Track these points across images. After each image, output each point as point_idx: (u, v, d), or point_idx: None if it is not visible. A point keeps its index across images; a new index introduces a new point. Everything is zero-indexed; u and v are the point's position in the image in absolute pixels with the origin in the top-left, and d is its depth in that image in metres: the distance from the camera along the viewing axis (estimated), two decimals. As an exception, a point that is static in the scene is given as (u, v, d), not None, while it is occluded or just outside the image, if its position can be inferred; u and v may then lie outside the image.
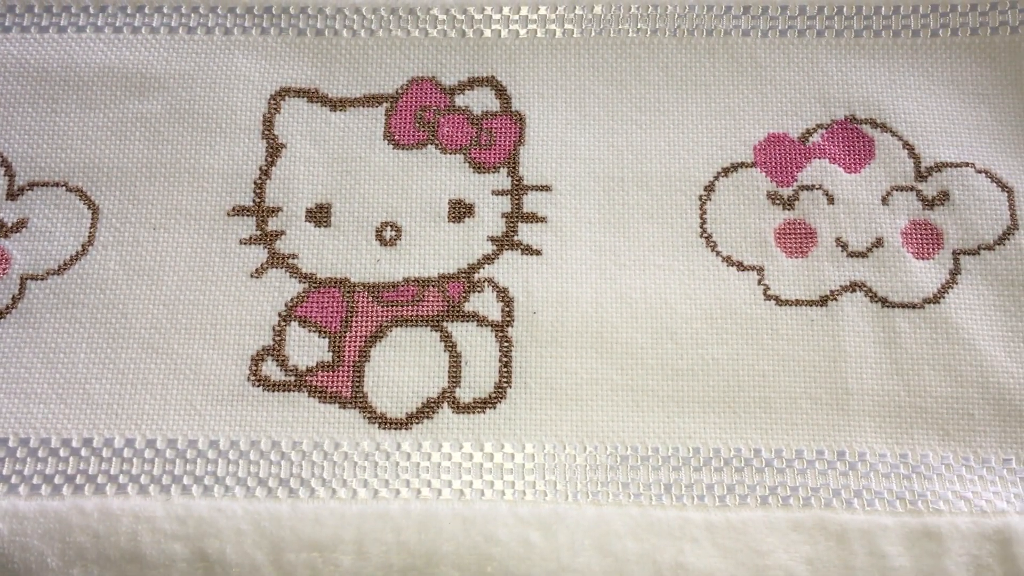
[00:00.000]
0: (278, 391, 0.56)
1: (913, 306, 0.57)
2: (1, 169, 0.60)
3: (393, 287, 0.58)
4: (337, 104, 0.62)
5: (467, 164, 0.61)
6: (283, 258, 0.59)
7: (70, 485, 0.54)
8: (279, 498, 0.53)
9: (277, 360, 0.57)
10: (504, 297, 0.58)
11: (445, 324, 0.57)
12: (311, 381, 0.56)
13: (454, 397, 0.56)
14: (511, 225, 0.59)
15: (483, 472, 0.54)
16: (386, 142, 0.61)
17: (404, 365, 0.57)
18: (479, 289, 0.58)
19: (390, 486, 0.54)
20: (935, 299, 0.57)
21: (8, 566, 0.52)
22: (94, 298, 0.57)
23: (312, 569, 0.52)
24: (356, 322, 0.57)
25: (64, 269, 0.58)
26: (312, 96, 0.62)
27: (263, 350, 0.57)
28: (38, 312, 0.57)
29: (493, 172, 0.60)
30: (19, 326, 0.57)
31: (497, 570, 0.52)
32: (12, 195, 0.59)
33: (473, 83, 0.62)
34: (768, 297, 0.58)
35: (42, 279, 0.58)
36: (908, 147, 0.60)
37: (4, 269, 0.58)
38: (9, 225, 0.59)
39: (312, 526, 0.52)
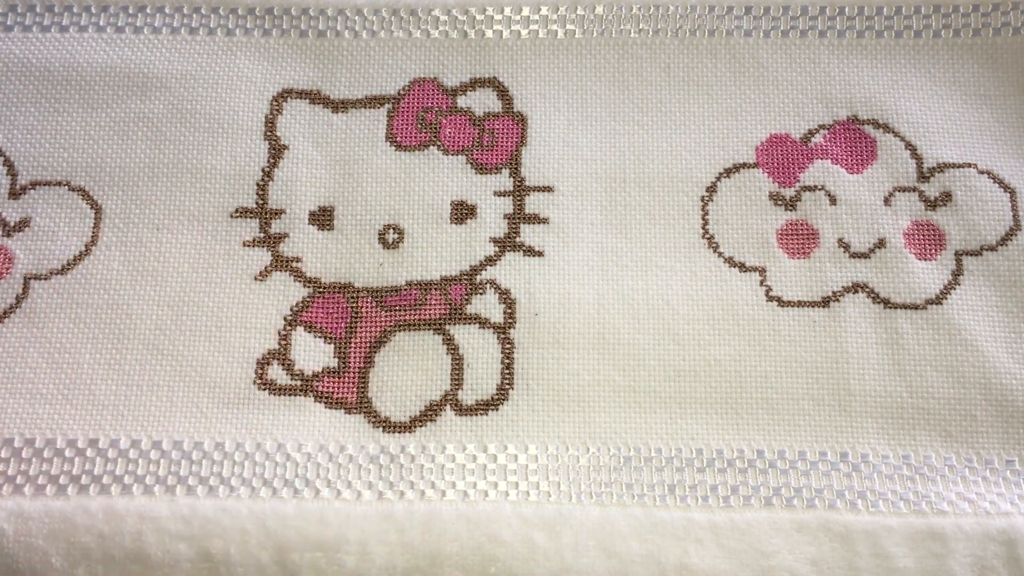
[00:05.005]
0: (284, 395, 0.56)
1: (915, 307, 0.57)
2: (4, 168, 0.60)
3: (396, 292, 0.58)
4: (339, 105, 0.62)
5: (469, 165, 0.60)
6: (287, 261, 0.59)
7: (75, 485, 0.54)
8: (284, 498, 0.53)
9: (283, 364, 0.57)
10: (506, 299, 0.58)
11: (447, 327, 0.57)
12: (317, 387, 0.56)
13: (457, 400, 0.56)
14: (513, 226, 0.59)
15: (487, 473, 0.55)
16: (388, 143, 0.61)
17: (407, 369, 0.57)
18: (481, 291, 0.58)
19: (394, 488, 0.54)
20: (937, 300, 0.57)
21: (13, 566, 0.52)
22: (98, 298, 0.57)
23: (316, 569, 0.52)
24: (361, 328, 0.57)
25: (68, 269, 0.58)
26: (314, 97, 0.62)
27: (269, 354, 0.57)
28: (42, 312, 0.57)
29: (495, 173, 0.60)
30: (23, 326, 0.57)
31: (501, 571, 0.52)
32: (15, 194, 0.59)
33: (475, 84, 0.62)
34: (770, 298, 0.58)
35: (46, 279, 0.58)
36: (910, 148, 0.60)
37: (8, 268, 0.58)
38: (12, 224, 0.59)
39: (317, 526, 0.53)
